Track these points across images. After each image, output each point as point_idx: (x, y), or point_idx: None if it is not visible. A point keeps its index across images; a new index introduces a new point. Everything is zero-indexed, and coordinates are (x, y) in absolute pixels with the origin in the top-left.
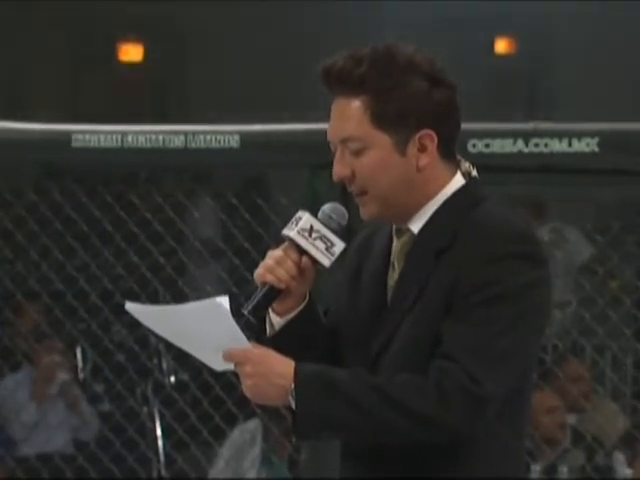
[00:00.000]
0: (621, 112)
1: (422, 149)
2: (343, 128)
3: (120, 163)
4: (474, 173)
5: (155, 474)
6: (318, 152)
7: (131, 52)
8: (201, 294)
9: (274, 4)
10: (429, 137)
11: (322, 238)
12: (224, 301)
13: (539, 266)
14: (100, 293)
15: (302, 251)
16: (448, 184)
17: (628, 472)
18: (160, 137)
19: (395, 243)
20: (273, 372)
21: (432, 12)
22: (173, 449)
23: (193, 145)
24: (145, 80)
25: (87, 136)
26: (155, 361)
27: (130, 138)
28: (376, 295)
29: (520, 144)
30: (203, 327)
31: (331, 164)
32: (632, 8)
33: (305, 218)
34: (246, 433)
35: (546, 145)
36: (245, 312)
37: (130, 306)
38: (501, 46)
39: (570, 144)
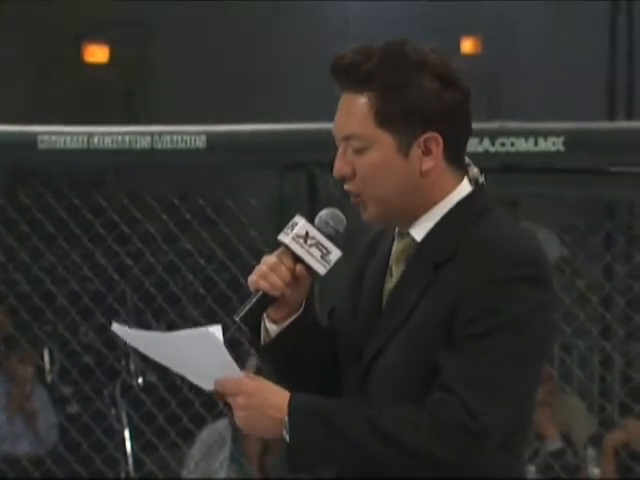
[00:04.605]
0: (587, 111)
1: (426, 152)
2: (347, 125)
3: (86, 164)
4: (481, 180)
5: (123, 476)
6: (285, 153)
7: (97, 53)
8: (168, 296)
9: (241, 5)
10: (435, 140)
11: (318, 245)
12: (216, 330)
13: (543, 289)
14: (67, 295)
15: (297, 258)
16: (453, 191)
17: (596, 471)
18: (126, 138)
19: (395, 245)
20: (267, 404)
21: (398, 11)
22: (141, 451)
23: (159, 146)
24: (111, 81)
25: (53, 137)
26: (123, 363)
27: (96, 139)
28: (372, 300)
29: (486, 143)
30: (194, 355)
31: (297, 165)
32: (597, 8)
33: (301, 224)
34: (215, 434)
35: (512, 144)
36: (237, 319)
37: (117, 328)
38: (467, 46)
39: (536, 143)
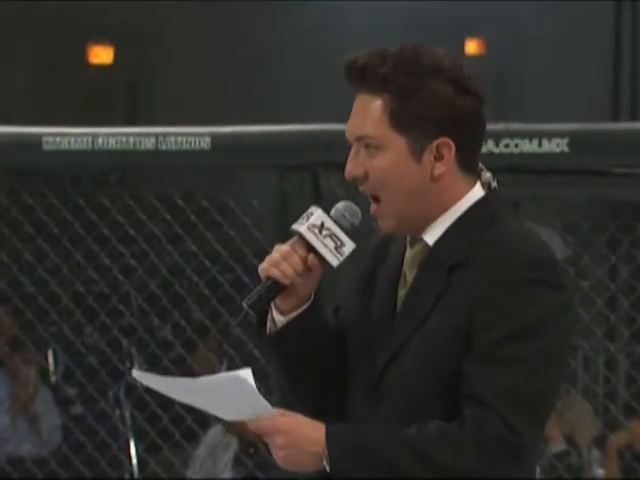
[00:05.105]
0: (591, 112)
1: (439, 158)
2: (360, 126)
3: (91, 165)
4: (494, 184)
5: (127, 477)
6: (289, 154)
7: (101, 54)
8: (173, 297)
9: (244, 5)
10: (447, 146)
11: (332, 236)
12: (247, 375)
13: (560, 291)
14: (72, 296)
15: (310, 248)
16: (465, 196)
17: (601, 472)
18: (131, 139)
19: (408, 252)
20: (304, 440)
21: (402, 13)
22: (145, 452)
23: (164, 147)
24: (115, 82)
25: (58, 139)
26: (127, 364)
27: (100, 140)
28: (386, 305)
29: (490, 145)
30: (225, 399)
31: (301, 166)
32: (601, 9)
33: (317, 214)
34: (220, 435)
35: (516, 146)
36: (245, 305)
37: (137, 374)
38: (471, 47)
39: (540, 144)
